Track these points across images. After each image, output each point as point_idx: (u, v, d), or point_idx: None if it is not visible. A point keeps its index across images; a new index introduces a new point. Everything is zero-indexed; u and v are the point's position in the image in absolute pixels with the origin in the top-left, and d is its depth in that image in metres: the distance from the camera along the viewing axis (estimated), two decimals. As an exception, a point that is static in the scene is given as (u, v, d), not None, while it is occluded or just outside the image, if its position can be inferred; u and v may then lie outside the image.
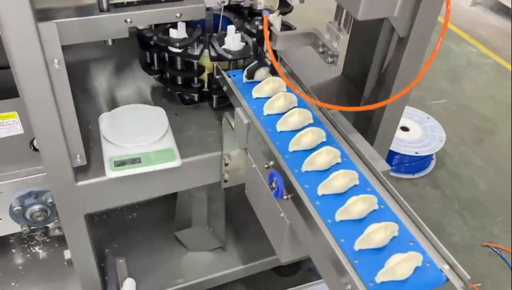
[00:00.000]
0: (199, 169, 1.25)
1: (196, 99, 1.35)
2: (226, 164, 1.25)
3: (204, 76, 1.31)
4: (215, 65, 1.25)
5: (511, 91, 3.28)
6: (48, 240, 1.70)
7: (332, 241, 0.77)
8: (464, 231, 2.24)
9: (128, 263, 1.59)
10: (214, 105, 1.35)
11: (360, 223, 0.80)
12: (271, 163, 0.91)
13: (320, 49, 1.03)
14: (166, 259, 1.66)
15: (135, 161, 1.15)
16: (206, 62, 1.27)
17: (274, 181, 0.90)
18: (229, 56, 1.20)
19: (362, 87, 1.38)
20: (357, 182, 0.88)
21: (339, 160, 0.93)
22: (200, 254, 1.69)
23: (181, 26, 1.21)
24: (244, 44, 1.24)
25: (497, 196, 2.42)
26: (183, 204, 1.74)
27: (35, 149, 1.22)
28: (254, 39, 1.20)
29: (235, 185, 1.30)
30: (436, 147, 2.47)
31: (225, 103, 1.36)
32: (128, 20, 1.10)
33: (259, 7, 1.26)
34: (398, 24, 1.00)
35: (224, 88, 1.13)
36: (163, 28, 1.24)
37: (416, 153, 2.44)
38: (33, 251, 1.66)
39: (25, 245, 1.68)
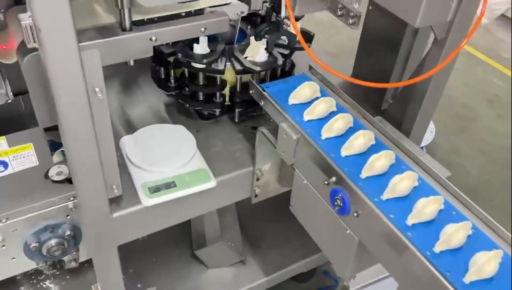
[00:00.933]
0: (231, 187, 1.21)
1: (217, 114, 1.30)
2: (258, 179, 1.21)
3: (226, 90, 1.27)
4: (238, 78, 1.21)
5: (481, 78, 3.40)
6: (58, 273, 1.60)
7: (414, 250, 0.76)
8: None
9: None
10: (236, 119, 1.31)
11: (433, 224, 0.80)
12: (333, 179, 0.88)
13: (339, 12, 1.02)
14: (186, 279, 1.60)
15: (170, 185, 1.10)
16: (228, 75, 1.23)
17: (339, 198, 0.87)
18: (257, 68, 1.16)
19: (377, 89, 1.37)
20: (417, 183, 0.87)
21: (394, 162, 0.92)
22: (220, 271, 1.64)
23: (204, 40, 1.16)
24: (268, 54, 1.20)
25: (488, 181, 2.51)
26: (198, 220, 1.68)
27: (51, 181, 1.15)
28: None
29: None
30: (427, 138, 2.51)
31: (247, 116, 1.32)
32: (153, 38, 1.05)
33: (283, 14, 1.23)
34: (436, 27, 1.00)
35: (261, 103, 1.09)
36: (183, 43, 1.19)
37: (410, 146, 2.48)
38: (44, 286, 1.56)
39: (34, 281, 1.58)
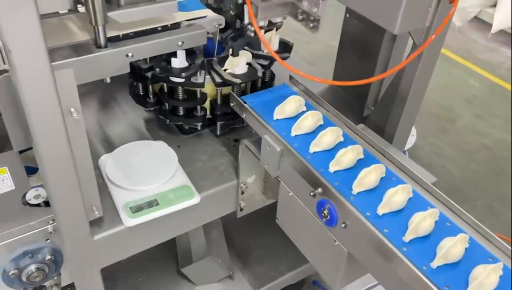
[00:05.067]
0: (216, 202, 1.18)
1: (199, 128, 1.28)
2: (243, 192, 1.19)
3: (207, 103, 1.25)
4: (219, 91, 1.19)
5: (459, 79, 3.45)
6: (38, 298, 1.54)
7: (408, 263, 0.74)
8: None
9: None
10: (218, 132, 1.29)
11: (429, 239, 0.78)
12: (319, 190, 0.87)
13: (300, 17, 1.02)
14: (174, 298, 1.57)
15: (152, 204, 1.07)
16: (208, 88, 1.21)
17: (326, 208, 0.86)
18: (237, 81, 1.15)
19: (362, 98, 1.37)
20: (412, 195, 0.86)
21: (384, 175, 0.90)
22: (208, 287, 1.61)
23: (182, 54, 1.14)
24: (247, 66, 1.19)
25: (470, 181, 2.53)
26: (183, 237, 1.65)
27: (28, 205, 1.11)
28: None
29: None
30: (410, 142, 2.53)
31: (229, 128, 1.31)
32: (130, 54, 1.02)
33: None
34: (414, 33, 1.00)
35: (243, 116, 1.08)
36: (161, 58, 1.16)
37: (392, 150, 2.49)
38: (26, 313, 1.50)
39: (15, 308, 1.51)
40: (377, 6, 0.83)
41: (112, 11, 1.01)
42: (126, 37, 1.05)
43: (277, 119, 1.03)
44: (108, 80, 1.08)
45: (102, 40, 1.00)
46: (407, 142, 2.47)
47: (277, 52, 1.25)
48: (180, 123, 1.26)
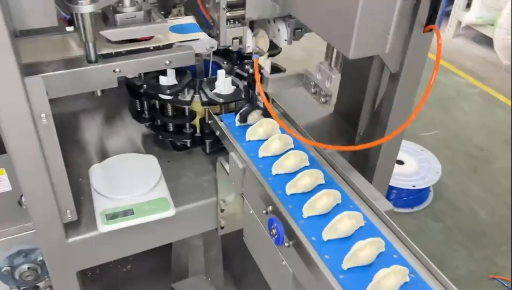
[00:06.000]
0: (194, 217, 1.21)
1: (188, 145, 1.32)
2: (222, 210, 1.21)
3: (196, 121, 1.29)
4: (206, 110, 1.24)
5: (501, 119, 3.30)
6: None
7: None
8: (469, 263, 2.19)
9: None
10: (207, 150, 1.32)
11: (369, 269, 0.76)
12: (270, 208, 0.88)
13: (312, 90, 1.04)
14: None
15: (127, 213, 1.11)
16: (197, 107, 1.25)
17: (274, 227, 0.86)
18: (220, 100, 1.18)
19: (355, 124, 1.37)
20: (363, 224, 0.85)
21: (339, 201, 0.90)
22: (199, 306, 1.62)
23: (171, 72, 1.20)
24: (235, 87, 1.23)
25: (498, 225, 2.39)
26: (179, 253, 1.68)
27: (24, 206, 1.18)
28: (245, 82, 1.19)
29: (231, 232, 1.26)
30: (433, 179, 2.45)
31: (218, 147, 1.34)
32: (117, 70, 1.09)
33: (248, 50, 1.26)
34: (389, 61, 1.00)
35: (217, 133, 1.11)
36: (152, 76, 1.23)
37: (413, 186, 2.41)
38: (23, 312, 1.58)
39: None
40: (334, 30, 0.85)
41: (106, 29, 1.10)
42: (118, 54, 1.13)
43: (249, 140, 1.05)
44: (99, 93, 1.16)
45: (92, 56, 1.08)
46: (430, 179, 2.41)
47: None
48: (170, 139, 1.31)
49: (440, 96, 3.57)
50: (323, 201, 0.86)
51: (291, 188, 0.90)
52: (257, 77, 1.04)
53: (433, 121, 3.24)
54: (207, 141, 1.30)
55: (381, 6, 0.80)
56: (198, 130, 1.31)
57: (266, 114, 1.14)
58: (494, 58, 4.12)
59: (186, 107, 1.24)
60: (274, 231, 0.87)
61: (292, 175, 0.95)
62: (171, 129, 1.29)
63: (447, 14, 4.67)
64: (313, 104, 1.60)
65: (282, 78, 1.08)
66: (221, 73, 1.22)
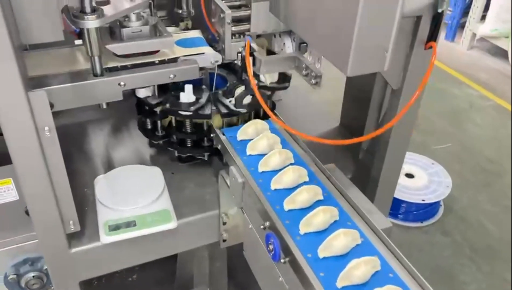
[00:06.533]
0: (196, 229, 1.22)
1: (206, 158, 1.32)
2: (224, 223, 1.21)
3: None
4: (225, 121, 1.24)
5: (515, 132, 3.26)
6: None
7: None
8: (478, 278, 2.15)
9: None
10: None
11: (363, 288, 0.76)
12: (267, 223, 0.88)
13: (304, 72, 1.05)
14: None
15: (130, 224, 1.12)
16: (215, 120, 1.26)
17: (271, 243, 0.86)
18: (243, 110, 1.19)
19: (355, 137, 1.37)
20: (359, 241, 0.85)
21: (337, 218, 0.89)
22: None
23: (189, 88, 1.21)
24: (251, 97, 1.23)
25: (508, 240, 2.35)
26: (184, 263, 1.69)
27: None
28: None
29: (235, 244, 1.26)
30: (443, 193, 2.42)
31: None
32: (122, 83, 1.11)
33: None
34: (390, 77, 1.00)
35: (219, 146, 1.12)
36: (170, 94, 1.23)
37: (423, 200, 2.39)
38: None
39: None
40: (331, 47, 0.85)
41: (112, 44, 1.12)
42: (124, 68, 1.15)
43: (249, 155, 1.06)
44: (104, 106, 1.18)
45: (98, 69, 1.10)
46: (440, 193, 2.38)
47: (276, 82, 1.29)
48: (188, 154, 1.31)
49: (453, 109, 3.54)
50: (320, 217, 0.86)
51: (289, 203, 0.90)
52: (248, 59, 1.04)
53: (446, 134, 3.21)
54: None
55: (379, 24, 0.80)
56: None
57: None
58: (508, 71, 4.07)
59: (205, 121, 1.24)
60: (271, 246, 0.87)
61: (291, 190, 0.95)
62: (189, 144, 1.29)
63: (462, 26, 4.64)
64: (320, 117, 1.63)
65: (274, 60, 1.09)
66: (240, 87, 1.23)
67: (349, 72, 0.83)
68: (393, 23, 0.79)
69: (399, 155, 1.14)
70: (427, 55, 1.00)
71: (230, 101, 1.24)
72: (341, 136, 1.52)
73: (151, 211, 1.17)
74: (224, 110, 1.23)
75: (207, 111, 1.22)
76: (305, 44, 1.28)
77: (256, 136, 1.08)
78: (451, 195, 2.49)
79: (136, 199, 1.18)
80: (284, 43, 1.29)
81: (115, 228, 1.12)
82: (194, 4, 1.44)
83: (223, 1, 1.22)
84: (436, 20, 0.93)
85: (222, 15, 1.13)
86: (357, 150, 1.36)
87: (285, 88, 1.30)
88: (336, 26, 0.82)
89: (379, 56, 0.84)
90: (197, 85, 1.26)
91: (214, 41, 1.31)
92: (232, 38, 1.22)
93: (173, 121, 1.29)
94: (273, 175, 0.99)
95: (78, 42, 1.23)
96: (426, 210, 2.45)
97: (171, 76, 1.16)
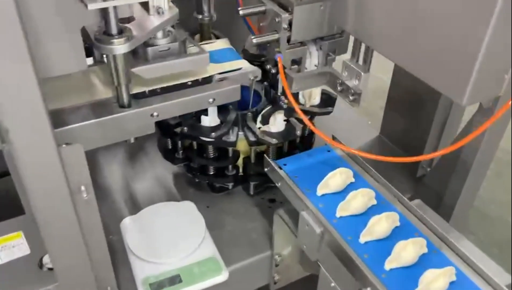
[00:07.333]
0: (247, 275, 1.06)
1: (230, 187, 1.16)
2: (277, 265, 1.06)
3: (240, 160, 1.13)
4: (253, 149, 1.08)
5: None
6: None
7: None
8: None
9: None
10: (251, 192, 1.17)
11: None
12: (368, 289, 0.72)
13: (339, 88, 0.92)
14: None
15: (175, 280, 0.95)
16: (242, 146, 1.09)
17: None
18: (273, 141, 1.02)
19: (411, 151, 1.23)
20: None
21: (426, 250, 0.77)
22: None
23: (213, 111, 1.03)
24: (285, 123, 1.07)
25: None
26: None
27: (47, 268, 1.02)
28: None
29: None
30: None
31: (263, 187, 1.18)
32: (155, 114, 0.93)
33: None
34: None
35: (278, 184, 0.95)
36: (189, 115, 1.06)
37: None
38: None
39: None
40: (438, 71, 0.69)
41: (137, 66, 0.93)
42: (153, 93, 0.96)
43: (321, 195, 0.89)
44: (132, 140, 0.99)
45: (125, 100, 0.91)
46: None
47: (318, 106, 1.13)
48: (209, 182, 1.15)
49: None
50: (409, 250, 0.73)
51: (392, 262, 0.74)
52: (282, 75, 0.92)
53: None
54: (252, 183, 1.15)
55: (502, 46, 0.65)
56: (241, 170, 1.15)
57: (289, 114, 1.06)
58: None
59: (230, 148, 1.08)
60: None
61: (384, 241, 0.80)
62: (211, 172, 1.13)
63: None
64: (354, 126, 1.47)
65: (306, 77, 0.95)
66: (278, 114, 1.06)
67: (465, 102, 0.68)
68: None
69: (480, 177, 1.00)
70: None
71: (259, 127, 1.07)
72: (384, 147, 1.37)
73: (195, 260, 1.00)
74: (252, 138, 1.06)
75: (233, 137, 1.05)
76: (331, 57, 1.11)
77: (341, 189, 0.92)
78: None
79: (176, 247, 1.01)
80: (310, 52, 1.11)
81: (158, 286, 0.94)
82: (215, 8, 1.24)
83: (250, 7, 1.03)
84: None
85: (277, 19, 0.94)
86: (415, 168, 1.22)
87: (329, 113, 1.14)
88: (449, 49, 0.66)
89: (498, 79, 0.69)
90: (225, 105, 1.09)
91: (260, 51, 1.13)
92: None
93: (194, 143, 1.12)
94: (353, 220, 0.83)
95: (88, 60, 1.03)
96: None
97: (210, 100, 0.98)
